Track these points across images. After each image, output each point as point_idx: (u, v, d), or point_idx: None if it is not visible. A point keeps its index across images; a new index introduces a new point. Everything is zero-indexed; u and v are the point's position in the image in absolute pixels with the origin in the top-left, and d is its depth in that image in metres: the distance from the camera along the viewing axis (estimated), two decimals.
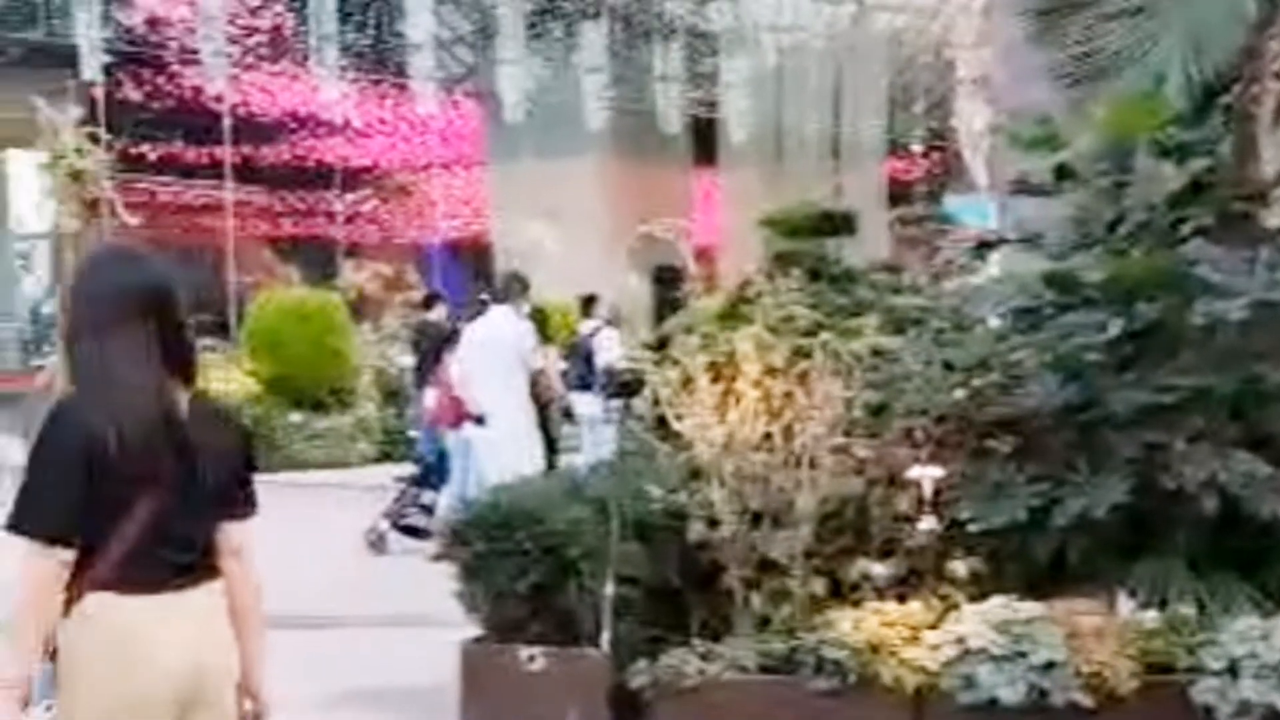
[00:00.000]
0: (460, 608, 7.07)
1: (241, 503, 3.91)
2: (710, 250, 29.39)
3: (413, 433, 17.17)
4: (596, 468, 7.95)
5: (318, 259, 29.09)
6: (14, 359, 21.55)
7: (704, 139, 28.77)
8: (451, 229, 32.09)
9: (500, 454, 11.00)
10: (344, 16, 25.86)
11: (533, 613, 6.70)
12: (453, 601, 7.08)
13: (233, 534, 3.88)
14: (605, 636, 6.52)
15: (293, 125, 29.27)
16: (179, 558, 3.73)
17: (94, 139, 19.52)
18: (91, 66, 22.90)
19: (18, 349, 23.04)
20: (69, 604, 3.61)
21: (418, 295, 28.76)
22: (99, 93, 22.86)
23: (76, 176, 19.24)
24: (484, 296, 13.07)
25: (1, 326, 22.04)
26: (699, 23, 27.53)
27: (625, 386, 8.01)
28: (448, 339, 12.39)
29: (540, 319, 13.40)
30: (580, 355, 15.60)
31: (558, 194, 26.76)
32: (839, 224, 9.94)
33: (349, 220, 30.95)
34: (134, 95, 26.09)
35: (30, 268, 23.63)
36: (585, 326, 16.36)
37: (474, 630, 7.05)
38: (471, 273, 29.00)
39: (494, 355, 11.40)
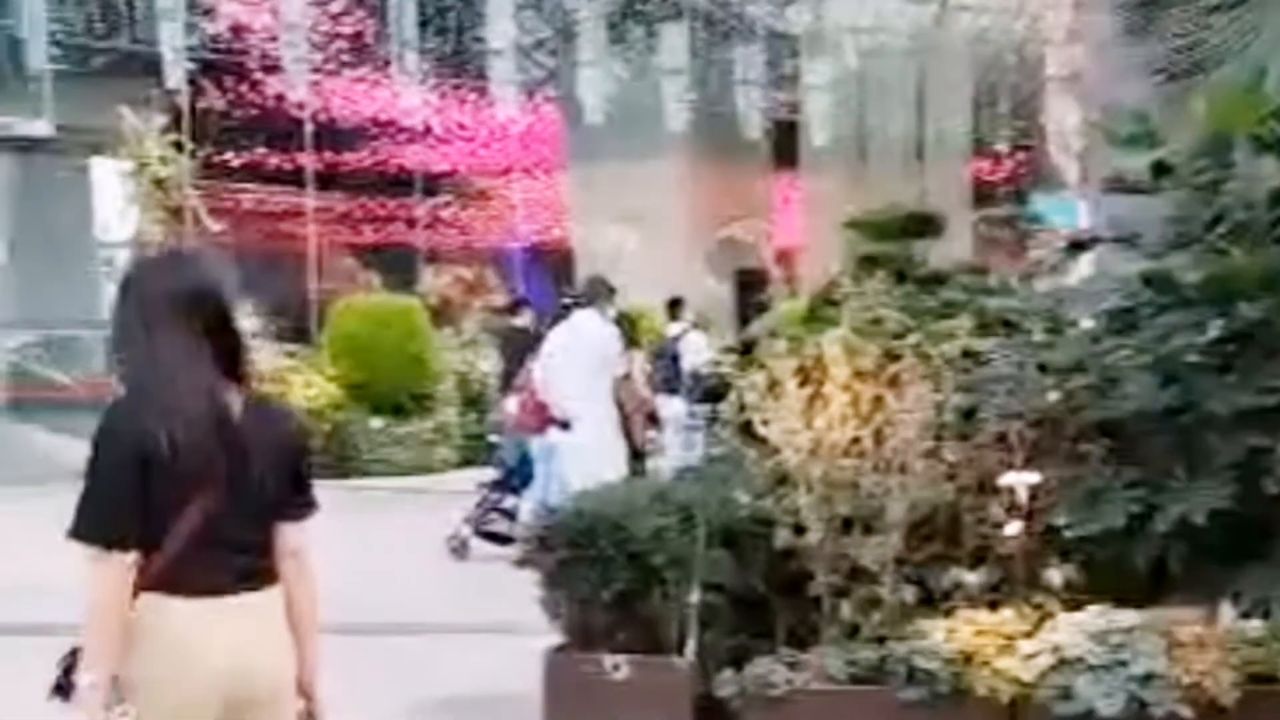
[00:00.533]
0: (543, 615, 6.99)
1: (299, 504, 3.88)
2: (790, 253, 29.27)
3: (493, 438, 17.16)
4: (681, 473, 7.84)
5: (398, 265, 29.13)
6: (99, 365, 21.69)
7: (784, 141, 28.58)
8: (531, 233, 32.07)
9: (584, 459, 10.89)
10: (424, 22, 25.90)
11: (617, 621, 6.59)
12: (536, 608, 7.00)
13: (290, 535, 3.85)
14: (690, 645, 6.40)
15: (373, 131, 29.35)
16: (234, 561, 3.71)
17: (177, 147, 19.79)
18: (175, 75, 23.05)
19: (102, 355, 23.20)
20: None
21: (498, 300, 28.87)
22: (182, 101, 23.00)
23: (160, 184, 19.53)
24: (567, 301, 12.94)
25: (86, 333, 22.22)
26: (780, 24, 27.34)
27: (711, 391, 7.88)
28: (532, 344, 12.29)
29: (628, 323, 13.29)
30: (666, 359, 15.49)
31: (638, 197, 26.67)
32: (925, 225, 9.76)
33: (429, 226, 30.99)
34: (216, 103, 26.26)
35: (114, 275, 23.73)
36: (672, 329, 16.26)
37: (557, 638, 6.96)
38: (552, 277, 28.92)
39: (578, 359, 11.26)
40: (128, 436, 3.60)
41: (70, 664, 3.66)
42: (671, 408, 14.10)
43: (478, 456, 18.78)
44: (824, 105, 27.31)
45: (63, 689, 3.68)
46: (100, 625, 3.58)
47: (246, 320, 14.46)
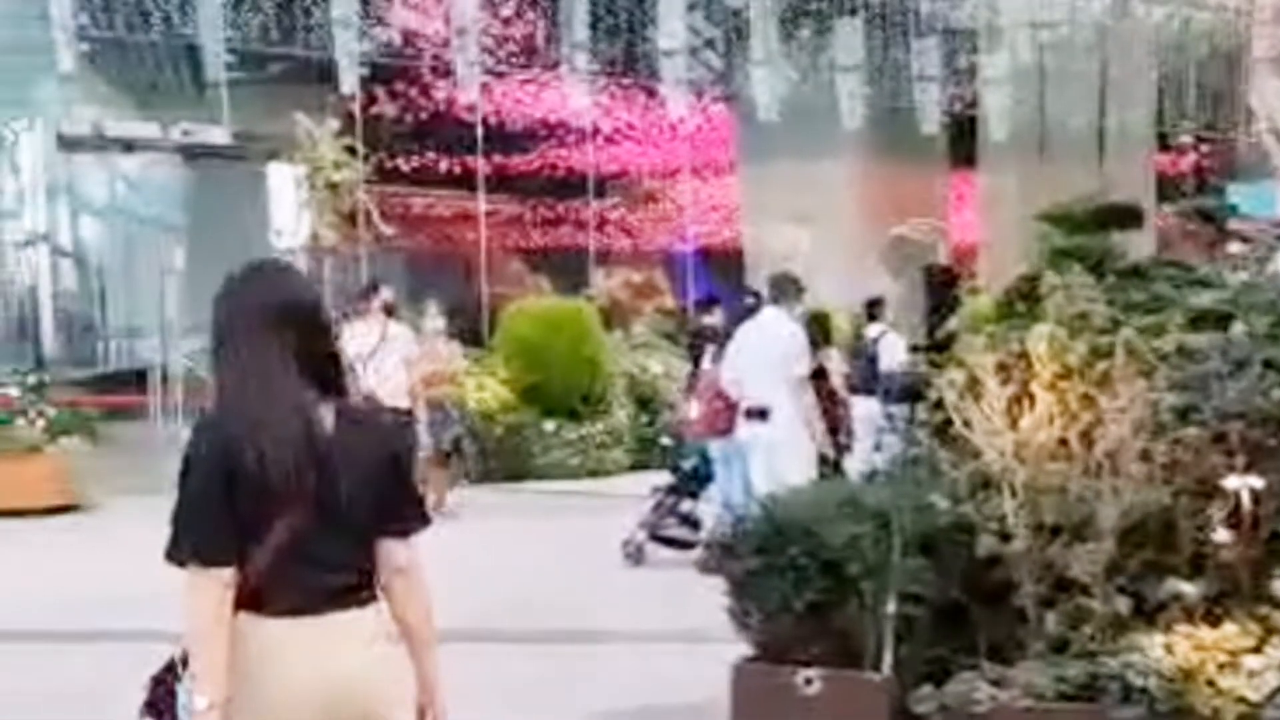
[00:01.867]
0: (727, 624, 6.71)
1: (402, 517, 3.77)
2: (966, 250, 28.76)
3: (666, 439, 16.92)
4: (873, 477, 7.49)
5: (568, 267, 29.09)
6: None
7: (960, 137, 28.10)
8: (701, 234, 31.86)
9: (771, 461, 10.60)
10: (594, 23, 25.81)
11: (809, 632, 6.29)
12: (718, 617, 6.74)
13: (395, 551, 3.75)
14: (887, 659, 6.09)
15: (543, 133, 29.36)
16: (324, 579, 3.63)
17: (351, 151, 19.88)
18: (349, 81, 23.24)
19: None
20: None
21: (668, 302, 28.68)
22: (355, 107, 23.17)
23: (334, 188, 19.63)
24: (750, 299, 12.64)
25: None
26: (956, 18, 26.84)
27: (910, 391, 7.53)
28: (720, 344, 12.00)
29: (821, 322, 13.01)
30: (864, 359, 15.15)
31: (810, 196, 26.41)
32: (1123, 217, 9.30)
33: (599, 228, 30.92)
34: (388, 108, 26.43)
35: None
36: (870, 330, 15.94)
37: (744, 649, 6.67)
38: (722, 278, 28.68)
39: (765, 359, 10.95)
40: (215, 452, 3.56)
41: (162, 681, 3.65)
42: (866, 408, 13.75)
43: (649, 460, 18.71)
44: (1002, 99, 26.75)
45: (154, 707, 3.67)
46: (206, 646, 3.53)
47: (434, 322, 14.40)
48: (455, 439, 15.87)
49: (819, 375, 11.82)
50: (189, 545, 3.55)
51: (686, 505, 12.22)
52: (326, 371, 3.70)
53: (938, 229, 28.00)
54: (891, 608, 6.07)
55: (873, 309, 16.30)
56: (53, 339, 20.60)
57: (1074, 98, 26.80)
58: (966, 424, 6.26)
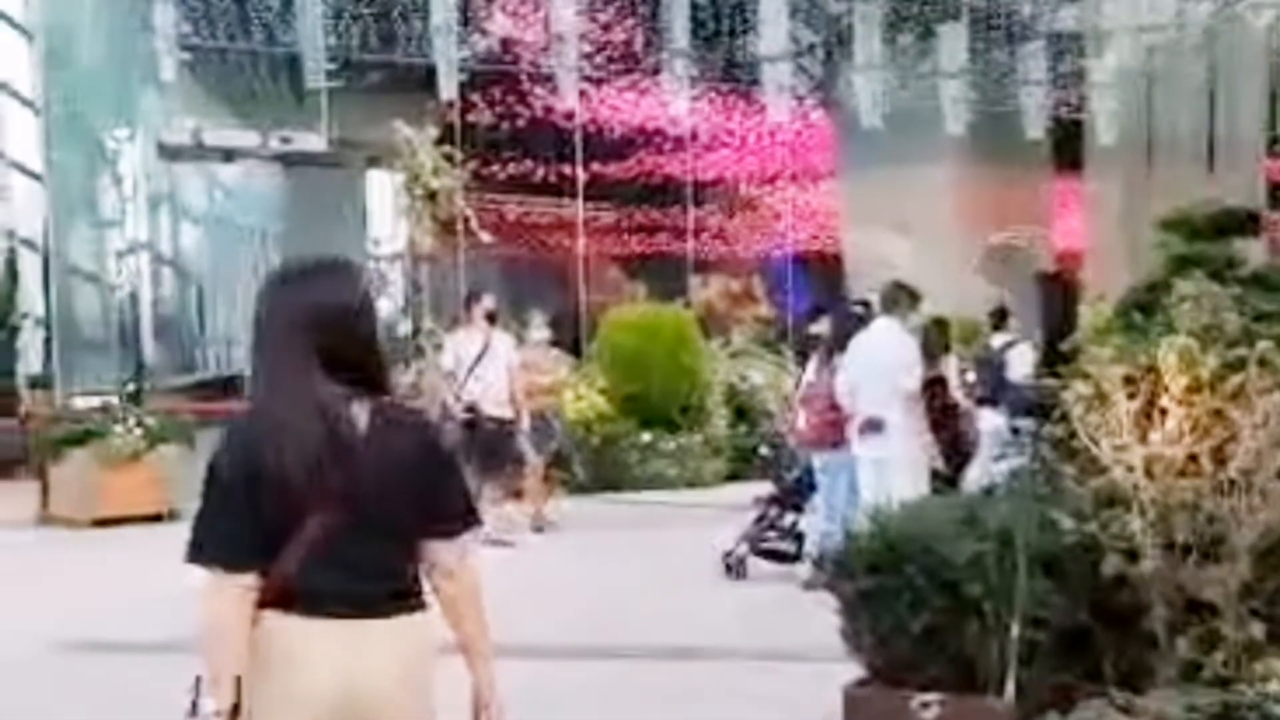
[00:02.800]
0: (832, 643, 6.48)
1: (447, 518, 3.68)
2: (1068, 256, 28.30)
3: (763, 450, 16.66)
4: (993, 491, 7.21)
5: (664, 275, 28.89)
6: None
7: (1065, 142, 27.64)
8: (799, 242, 31.57)
9: (882, 475, 10.32)
10: (694, 29, 25.61)
11: (926, 655, 6.05)
12: (822, 635, 6.51)
13: (442, 554, 3.67)
14: (1009, 684, 5.83)
15: (641, 140, 29.18)
16: (357, 585, 3.55)
17: (449, 159, 19.78)
18: (447, 88, 23.19)
19: None
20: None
21: (763, 310, 28.42)
22: (454, 114, 23.11)
23: (432, 196, 19.53)
24: (859, 308, 12.32)
25: None
26: (1061, 22, 26.38)
27: (1036, 404, 7.26)
28: (829, 353, 11.71)
29: (941, 330, 12.70)
30: (991, 369, 14.83)
31: (910, 203, 26.09)
32: (1245, 222, 8.96)
33: (696, 235, 30.69)
34: (486, 116, 26.35)
35: (385, 288, 23.97)
36: (995, 340, 15.63)
37: (855, 670, 6.43)
38: (825, 285, 28.40)
39: (877, 370, 10.65)
40: (238, 454, 3.55)
41: (199, 687, 3.58)
42: (992, 421, 13.43)
43: (747, 470, 18.45)
44: (1109, 103, 26.25)
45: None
46: (219, 649, 3.50)
47: (539, 332, 14.14)
48: (556, 450, 15.72)
49: (937, 385, 11.51)
50: (210, 548, 3.52)
51: (790, 518, 11.94)
52: (364, 371, 3.61)
53: (1037, 236, 27.59)
54: (1015, 630, 5.81)
55: (999, 319, 15.95)
56: (152, 346, 20.69)
57: (1181, 102, 26.25)
58: (1092, 438, 5.98)
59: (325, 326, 3.58)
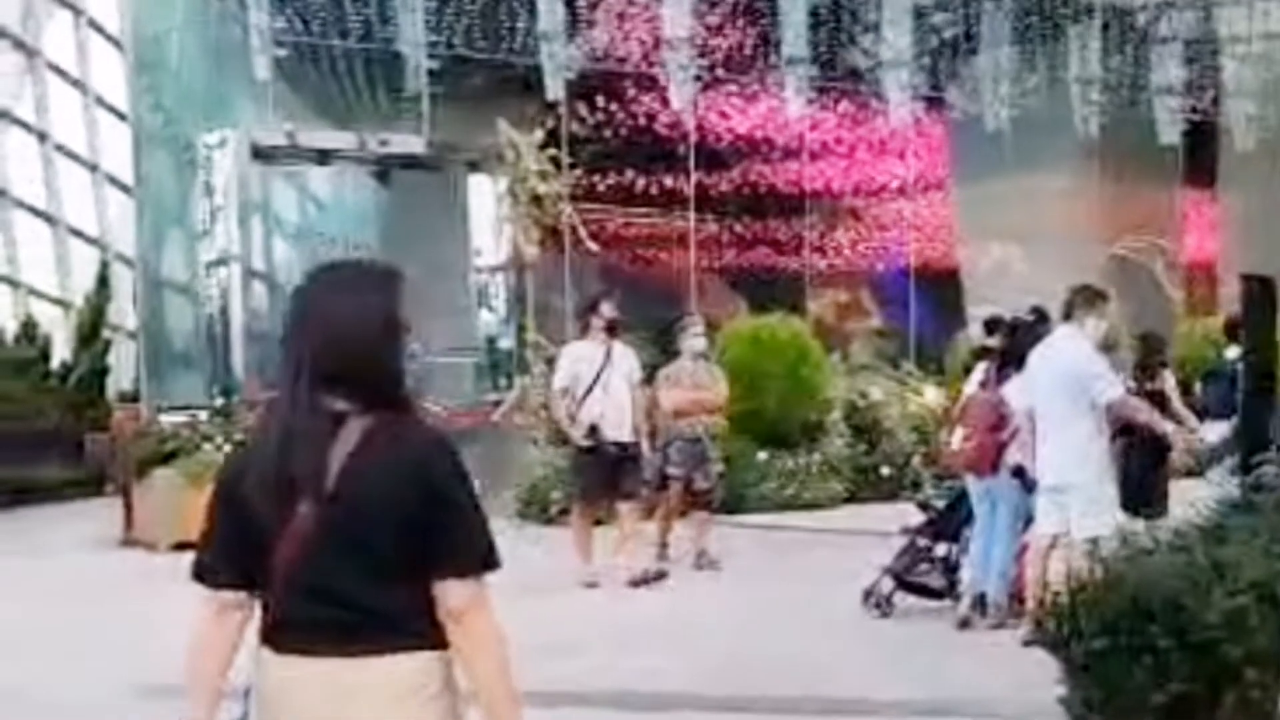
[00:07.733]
0: (990, 692, 5.43)
1: (451, 554, 3.29)
2: (1199, 267, 27.14)
3: (884, 470, 15.57)
4: (1215, 527, 6.04)
5: (774, 287, 27.83)
6: (472, 392, 20.95)
7: (1196, 150, 26.44)
8: (915, 253, 30.41)
9: (1062, 506, 9.14)
10: (810, 36, 24.63)
11: None
12: (980, 682, 5.44)
13: (450, 593, 3.29)
14: None
15: (751, 149, 28.14)
16: (338, 618, 3.26)
17: (555, 164, 18.93)
18: (553, 90, 22.37)
19: (474, 382, 22.56)
20: None
21: (876, 322, 27.32)
22: (560, 119, 22.26)
23: (538, 201, 18.65)
24: (1032, 318, 11.13)
25: (458, 359, 21.46)
26: (1195, 28, 25.24)
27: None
28: (999, 368, 10.57)
29: (1154, 344, 11.64)
30: (1223, 382, 13.77)
31: (1032, 212, 25.13)
32: None
33: (808, 247, 29.64)
34: (590, 124, 25.42)
35: (487, 299, 23.10)
36: (1230, 353, 14.57)
37: None
38: (941, 298, 27.27)
39: (1058, 385, 9.39)
40: (231, 469, 3.51)
41: None
42: (1218, 434, 12.33)
43: (867, 492, 17.86)
44: (1246, 109, 25.04)
45: None
46: (190, 665, 3.45)
47: (694, 342, 12.82)
48: (721, 474, 14.18)
49: (1157, 400, 10.38)
50: (196, 563, 3.47)
51: (942, 548, 10.75)
52: (370, 384, 3.34)
53: (1157, 246, 26.48)
54: None
55: (1232, 331, 14.85)
56: (243, 360, 19.97)
57: None
58: None
59: (325, 335, 3.37)
